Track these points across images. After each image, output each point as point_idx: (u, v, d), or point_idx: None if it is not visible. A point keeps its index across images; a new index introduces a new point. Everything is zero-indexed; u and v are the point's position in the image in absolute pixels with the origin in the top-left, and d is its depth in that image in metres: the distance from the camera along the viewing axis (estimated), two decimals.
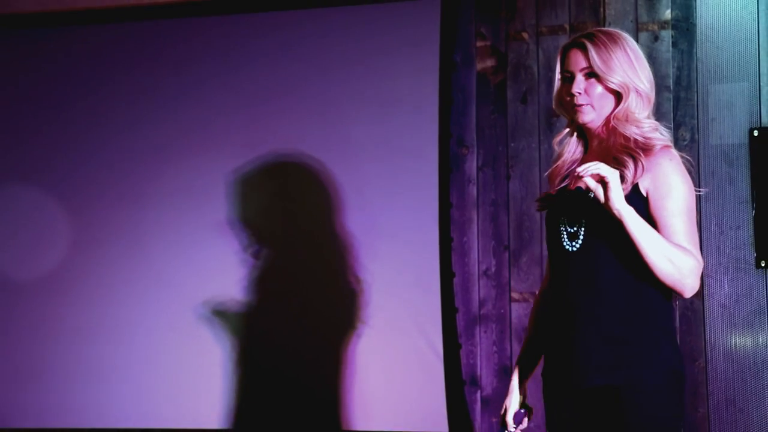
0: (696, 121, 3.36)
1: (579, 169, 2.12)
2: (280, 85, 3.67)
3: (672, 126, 3.36)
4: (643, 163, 2.16)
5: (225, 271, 3.61)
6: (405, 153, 3.55)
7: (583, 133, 2.32)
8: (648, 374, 2.14)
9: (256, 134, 3.66)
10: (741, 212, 3.30)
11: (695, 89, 3.36)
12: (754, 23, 3.32)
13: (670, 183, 2.16)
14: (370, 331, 3.52)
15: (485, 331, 3.53)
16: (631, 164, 2.17)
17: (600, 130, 2.26)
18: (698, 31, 3.37)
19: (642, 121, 2.23)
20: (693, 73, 3.37)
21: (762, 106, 3.30)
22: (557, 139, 2.35)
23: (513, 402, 2.42)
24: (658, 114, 3.34)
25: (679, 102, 3.38)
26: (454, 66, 3.61)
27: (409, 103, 3.55)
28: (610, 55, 2.22)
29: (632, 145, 2.19)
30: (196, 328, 3.63)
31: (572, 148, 2.33)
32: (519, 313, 3.50)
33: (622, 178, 2.14)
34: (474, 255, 3.54)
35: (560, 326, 2.25)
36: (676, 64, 3.39)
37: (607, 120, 2.25)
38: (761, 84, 3.30)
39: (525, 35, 3.57)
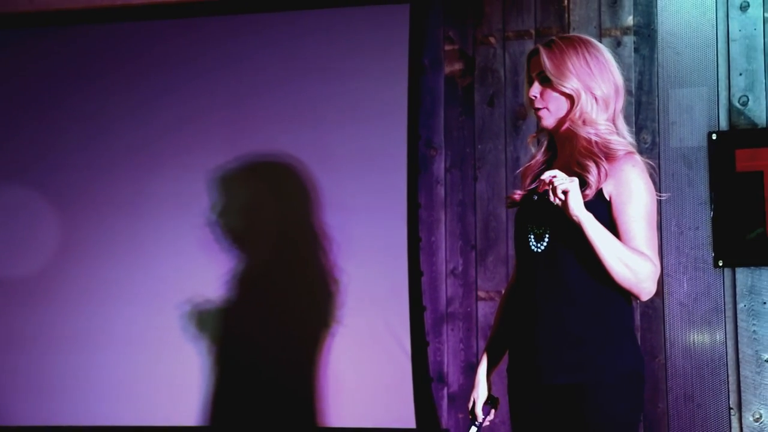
0: (657, 125, 3.41)
1: (543, 176, 2.16)
2: (254, 87, 3.68)
3: (634, 129, 3.41)
4: (606, 168, 2.19)
5: (203, 271, 3.61)
6: (374, 154, 3.57)
7: (551, 134, 2.36)
8: (608, 375, 2.18)
9: (231, 135, 3.67)
10: (700, 213, 3.36)
11: (656, 93, 3.42)
12: (712, 30, 3.39)
13: (632, 189, 2.19)
14: (341, 330, 3.54)
15: (452, 329, 3.56)
16: (594, 169, 2.20)
17: (564, 132, 2.30)
18: (659, 37, 3.43)
19: (598, 123, 2.25)
20: (654, 78, 3.42)
21: (720, 111, 3.36)
22: (532, 138, 2.41)
23: (480, 394, 2.45)
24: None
25: (641, 106, 3.43)
26: (422, 69, 3.64)
27: (379, 105, 3.57)
28: (563, 60, 2.25)
29: (594, 148, 2.22)
30: (174, 327, 3.64)
31: (543, 149, 2.37)
32: (485, 311, 3.54)
33: (586, 183, 2.18)
34: (442, 254, 3.58)
35: (525, 325, 2.28)
36: (638, 69, 3.44)
37: (565, 123, 2.28)
38: (719, 89, 3.36)
39: (492, 40, 3.61)
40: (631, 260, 2.14)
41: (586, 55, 2.27)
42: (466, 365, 3.55)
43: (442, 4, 3.63)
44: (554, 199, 2.13)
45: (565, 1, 3.54)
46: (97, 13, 3.84)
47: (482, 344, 3.53)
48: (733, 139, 3.33)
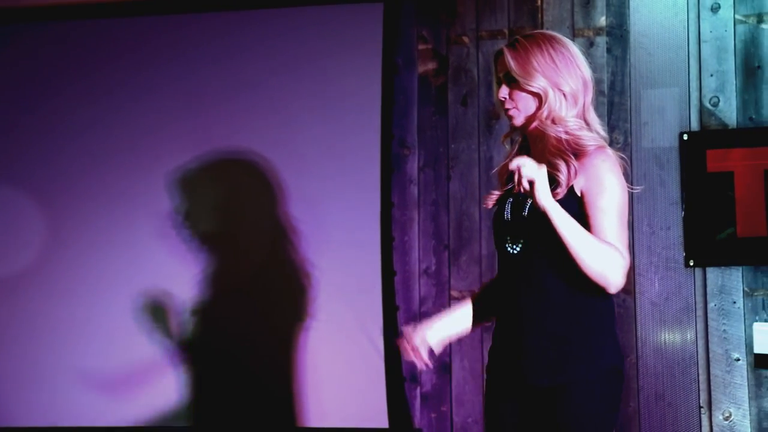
0: (629, 125, 3.43)
1: (511, 165, 2.15)
2: (225, 85, 3.66)
3: (606, 129, 3.40)
4: (576, 165, 2.19)
5: (173, 270, 3.59)
6: (348, 153, 3.56)
7: (525, 134, 2.36)
8: (589, 372, 2.18)
9: (200, 133, 3.65)
10: (671, 213, 3.37)
11: (629, 94, 3.43)
12: (684, 31, 3.41)
13: (603, 182, 2.18)
14: (313, 331, 3.53)
15: None
16: (563, 167, 2.19)
17: (534, 130, 2.29)
18: (631, 38, 3.44)
19: (567, 120, 2.24)
20: (626, 79, 3.43)
21: (692, 111, 3.38)
22: (504, 139, 2.40)
23: (439, 329, 2.38)
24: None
25: (613, 106, 3.44)
26: (396, 68, 3.64)
27: (352, 104, 3.56)
28: (528, 58, 2.24)
29: (563, 146, 2.22)
30: (146, 328, 3.62)
31: (517, 147, 2.36)
32: None
33: (557, 182, 2.18)
34: (415, 254, 3.58)
35: (506, 325, 2.28)
36: (610, 70, 3.45)
37: (534, 121, 2.28)
38: (690, 89, 3.37)
39: (465, 39, 3.61)
40: (600, 251, 2.13)
41: (551, 51, 2.26)
42: (439, 365, 3.55)
43: (415, 3, 3.63)
44: (520, 188, 2.12)
45: (539, 1, 3.55)
46: (60, 11, 3.80)
47: (455, 344, 3.50)
48: (704, 140, 3.36)
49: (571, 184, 2.19)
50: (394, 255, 3.58)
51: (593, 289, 2.19)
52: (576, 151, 2.22)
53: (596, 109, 3.30)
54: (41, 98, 3.78)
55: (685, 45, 3.40)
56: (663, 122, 3.39)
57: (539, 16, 3.55)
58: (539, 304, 2.22)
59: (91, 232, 3.68)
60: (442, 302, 3.55)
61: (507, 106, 2.30)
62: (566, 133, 2.23)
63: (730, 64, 3.36)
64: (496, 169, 2.42)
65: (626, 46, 3.45)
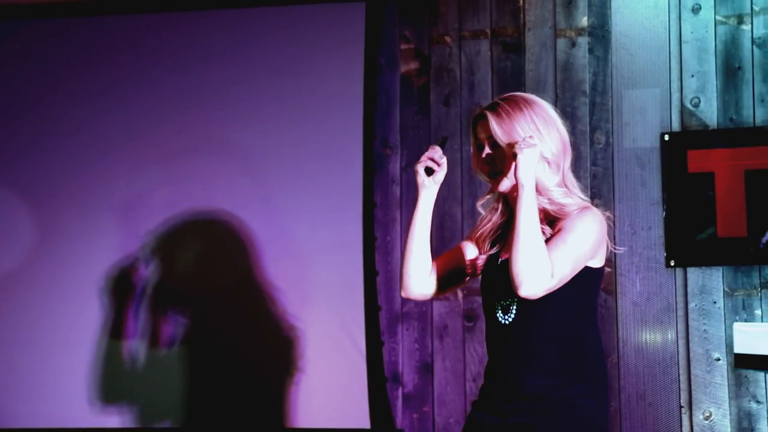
0: (611, 125, 3.43)
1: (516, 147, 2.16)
2: (202, 86, 3.64)
3: (588, 129, 3.43)
4: (553, 232, 2.18)
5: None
6: (330, 153, 3.55)
7: (506, 196, 2.33)
8: (569, 430, 2.16)
9: (178, 137, 3.62)
10: (652, 213, 3.38)
11: (610, 94, 3.43)
12: (665, 32, 3.41)
13: (576, 223, 2.18)
14: (295, 330, 3.52)
15: (407, 329, 3.56)
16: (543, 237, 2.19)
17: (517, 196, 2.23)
18: (613, 39, 3.45)
19: (551, 189, 2.22)
20: (608, 79, 3.44)
21: (673, 112, 3.38)
22: (480, 202, 2.36)
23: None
24: (575, 118, 3.45)
25: (595, 106, 3.45)
26: (378, 68, 3.63)
27: (334, 104, 3.55)
28: (512, 124, 2.22)
29: (544, 217, 2.20)
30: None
31: (499, 212, 2.33)
32: (440, 311, 3.53)
33: None
34: (397, 254, 3.57)
35: (496, 389, 2.24)
36: (592, 70, 3.46)
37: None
38: (672, 90, 3.38)
39: (448, 39, 3.60)
40: (537, 252, 2.10)
41: (533, 116, 2.23)
42: (421, 365, 3.55)
43: (397, 2, 3.62)
44: (514, 151, 2.14)
45: (521, 2, 3.55)
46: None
47: (437, 344, 3.53)
48: (685, 140, 3.37)
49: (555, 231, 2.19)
50: (377, 255, 3.57)
51: (589, 347, 2.19)
52: (559, 218, 2.21)
53: (578, 109, 3.41)
54: (26, 98, 3.76)
55: (667, 46, 3.40)
56: (644, 123, 3.40)
57: (521, 16, 3.55)
58: (532, 373, 2.18)
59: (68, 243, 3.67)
60: (424, 302, 3.54)
61: (495, 171, 2.26)
62: (550, 202, 2.22)
63: (711, 65, 3.37)
64: (478, 233, 2.37)
65: (608, 46, 3.45)
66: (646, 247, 3.38)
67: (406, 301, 3.57)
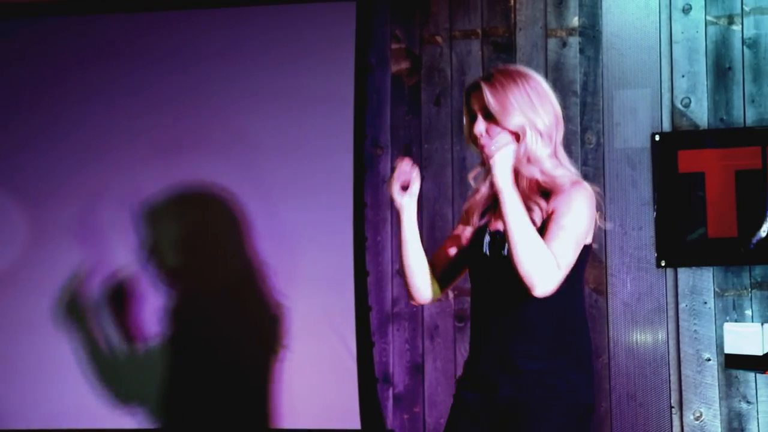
0: (601, 126, 3.43)
1: (475, 129, 2.21)
2: (192, 85, 3.62)
3: (579, 129, 3.44)
4: (545, 207, 2.20)
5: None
6: (320, 153, 3.54)
7: None
8: (563, 408, 2.17)
9: (165, 134, 3.60)
10: (643, 213, 3.37)
11: (601, 94, 3.43)
12: (656, 32, 3.41)
13: (572, 205, 2.19)
14: (285, 330, 3.50)
15: (398, 329, 3.55)
16: (537, 210, 2.21)
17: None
18: (604, 39, 3.44)
19: (542, 160, 2.23)
20: (599, 79, 3.44)
21: (663, 112, 3.38)
22: (472, 174, 2.36)
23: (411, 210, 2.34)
24: (565, 119, 3.40)
25: (586, 107, 3.44)
26: (369, 68, 3.62)
27: (325, 103, 3.54)
28: (506, 95, 2.23)
29: (536, 189, 2.22)
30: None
31: (489, 184, 2.32)
32: (431, 311, 3.53)
33: (533, 222, 2.18)
34: (388, 254, 3.56)
35: (482, 359, 2.25)
36: (583, 70, 3.45)
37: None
38: (662, 90, 3.38)
39: (439, 39, 3.60)
40: (537, 251, 2.12)
41: (527, 87, 2.25)
42: (412, 365, 3.54)
43: (388, 2, 3.61)
44: (488, 153, 2.17)
45: (512, 1, 3.54)
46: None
47: (428, 344, 3.53)
48: (675, 141, 3.36)
49: (549, 215, 2.20)
50: (367, 255, 3.56)
51: (576, 323, 2.21)
52: (551, 190, 2.23)
53: (569, 109, 3.41)
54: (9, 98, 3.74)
55: (657, 46, 3.40)
56: (635, 123, 3.40)
57: (512, 16, 3.54)
58: (518, 340, 2.20)
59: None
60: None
61: (484, 141, 2.26)
62: (542, 173, 2.24)
63: (702, 65, 3.37)
64: (465, 206, 2.39)
65: (599, 46, 3.45)
66: (637, 247, 3.38)
67: (396, 301, 3.57)
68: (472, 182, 2.36)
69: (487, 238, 2.28)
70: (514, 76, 2.25)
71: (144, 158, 3.61)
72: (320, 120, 3.55)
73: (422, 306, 3.51)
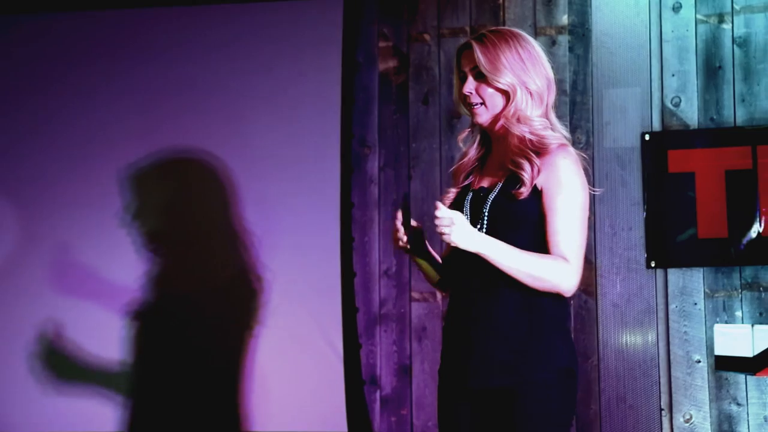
0: (591, 125, 3.41)
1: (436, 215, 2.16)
2: (178, 83, 3.58)
3: (568, 129, 3.39)
4: (538, 164, 2.19)
5: (121, 270, 3.53)
6: (307, 152, 3.51)
7: (483, 130, 2.34)
8: (541, 373, 2.17)
9: (153, 132, 3.57)
10: (633, 214, 3.36)
11: (590, 93, 3.42)
12: (646, 31, 3.40)
13: (562, 181, 2.18)
14: (269, 331, 3.47)
15: (385, 331, 3.53)
16: (527, 166, 2.19)
17: (498, 128, 2.28)
18: (594, 37, 3.43)
19: (532, 119, 2.24)
20: (588, 78, 3.42)
21: (653, 111, 3.37)
22: (461, 136, 2.38)
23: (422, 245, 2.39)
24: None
25: (575, 106, 3.43)
26: (356, 66, 3.60)
27: (311, 102, 3.52)
28: (497, 54, 2.23)
29: (527, 145, 2.21)
30: (93, 328, 3.53)
31: (476, 145, 2.34)
32: (419, 312, 3.51)
33: (521, 182, 2.17)
34: (375, 255, 3.54)
35: (457, 324, 2.27)
36: (572, 69, 3.44)
37: (500, 119, 2.27)
38: (652, 89, 3.37)
39: (426, 37, 3.58)
40: (539, 270, 2.15)
41: (519, 48, 2.25)
42: (399, 368, 3.52)
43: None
44: (443, 238, 2.15)
45: None
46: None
47: (416, 346, 3.51)
48: (665, 140, 3.35)
49: (534, 183, 2.19)
50: (354, 256, 3.54)
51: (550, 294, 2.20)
52: (539, 150, 2.21)
53: (558, 108, 3.36)
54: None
55: (647, 44, 3.39)
56: (625, 122, 3.39)
57: (501, 14, 3.52)
58: (492, 304, 2.20)
59: (17, 238, 3.60)
60: (402, 304, 3.52)
61: (473, 101, 2.27)
62: (531, 132, 2.23)
63: (692, 64, 3.36)
64: (452, 167, 2.41)
65: (588, 45, 3.44)
66: (627, 247, 3.37)
67: (384, 302, 3.55)
68: (461, 144, 2.37)
69: (469, 195, 2.28)
70: (506, 36, 2.26)
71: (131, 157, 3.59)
72: (306, 119, 3.52)
73: (410, 307, 3.50)
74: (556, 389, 2.18)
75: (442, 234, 2.14)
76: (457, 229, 2.13)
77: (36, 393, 3.53)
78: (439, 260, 2.40)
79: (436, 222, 2.14)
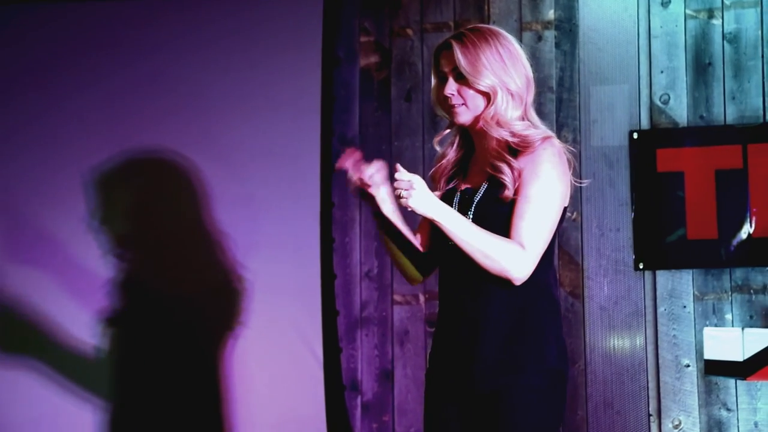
0: (578, 123, 3.38)
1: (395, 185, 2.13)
2: (148, 79, 3.52)
3: (555, 127, 3.38)
4: (518, 166, 2.18)
5: (89, 276, 3.46)
6: (285, 151, 3.47)
7: (467, 132, 2.32)
8: (531, 376, 2.16)
9: (124, 130, 3.50)
10: (621, 214, 3.33)
11: (577, 91, 3.39)
12: (634, 26, 3.36)
13: (538, 170, 2.17)
14: (247, 334, 3.42)
15: (366, 335, 3.50)
16: (506, 169, 2.18)
17: (479, 129, 2.26)
18: (581, 33, 3.40)
19: (512, 122, 2.22)
20: (575, 75, 3.39)
21: (642, 109, 3.34)
22: (437, 138, 2.35)
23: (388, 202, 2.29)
24: (541, 115, 3.34)
25: (562, 103, 3.40)
26: (336, 61, 3.56)
27: (291, 98, 3.47)
28: (478, 55, 2.21)
29: (504, 149, 2.20)
30: (59, 332, 3.47)
31: (456, 147, 2.33)
32: (401, 315, 3.48)
33: (504, 186, 2.17)
34: (356, 256, 3.51)
35: (446, 327, 2.25)
36: (559, 65, 3.41)
37: (480, 121, 2.25)
38: (641, 86, 3.34)
39: (409, 31, 3.54)
40: (492, 249, 2.13)
41: (499, 47, 2.23)
42: (381, 372, 3.48)
43: None
44: (401, 202, 2.13)
45: None
46: None
47: (398, 350, 3.48)
48: (654, 139, 3.33)
49: (517, 185, 2.18)
50: (335, 257, 3.51)
51: (537, 290, 2.18)
52: (523, 148, 2.20)
53: (544, 106, 3.36)
54: None
55: (635, 40, 3.36)
56: (612, 120, 3.36)
57: (486, 8, 3.48)
58: (481, 306, 2.19)
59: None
60: (384, 306, 3.49)
61: (455, 102, 2.25)
62: (513, 135, 2.22)
63: (681, 61, 3.33)
64: (432, 170, 2.37)
65: (575, 40, 3.40)
66: (614, 249, 3.33)
67: (365, 305, 3.51)
68: (437, 147, 2.35)
69: (457, 197, 2.26)
70: (486, 35, 2.23)
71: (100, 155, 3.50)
72: (285, 116, 3.47)
73: (392, 310, 3.48)
74: (545, 392, 2.17)
75: (399, 197, 2.11)
76: (416, 193, 2.10)
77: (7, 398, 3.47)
78: (417, 246, 2.36)
79: (395, 185, 2.11)
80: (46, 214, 3.48)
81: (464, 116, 2.25)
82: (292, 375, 3.41)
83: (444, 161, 2.33)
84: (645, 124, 3.33)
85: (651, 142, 3.31)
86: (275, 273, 3.42)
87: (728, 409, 3.21)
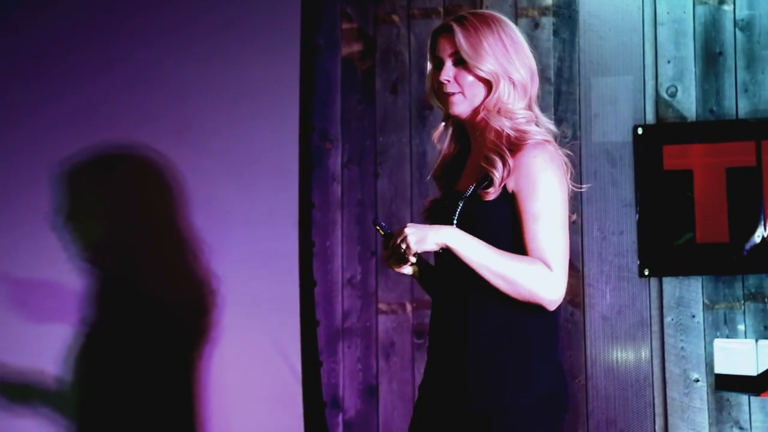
0: (578, 117, 3.34)
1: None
2: (117, 69, 3.42)
3: (552, 121, 3.26)
4: (510, 163, 2.11)
5: (54, 284, 3.35)
6: (262, 147, 3.40)
7: (463, 129, 2.27)
8: (522, 398, 2.09)
9: (89, 123, 3.41)
10: (624, 216, 3.27)
11: (577, 82, 3.34)
12: (638, 12, 3.30)
13: (533, 182, 2.10)
14: (221, 348, 3.34)
15: (349, 347, 3.43)
16: (499, 164, 2.11)
17: (478, 122, 2.20)
18: (581, 19, 3.35)
19: (515, 112, 2.16)
20: (575, 65, 3.34)
21: (647, 102, 3.28)
22: (436, 133, 2.31)
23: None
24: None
25: (561, 96, 3.35)
26: (317, 50, 3.51)
27: (266, 90, 3.40)
28: (479, 39, 2.15)
29: (504, 141, 2.14)
30: (25, 341, 3.35)
31: (449, 141, 2.30)
32: (386, 326, 3.42)
33: (491, 181, 2.11)
34: (338, 261, 3.46)
35: (435, 343, 2.22)
36: (557, 55, 3.35)
37: (480, 112, 2.18)
38: (646, 78, 3.28)
39: (395, 18, 3.49)
40: (515, 273, 2.06)
41: (502, 34, 2.18)
42: (365, 387, 3.41)
43: None
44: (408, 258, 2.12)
45: None
46: None
47: (383, 364, 3.42)
48: (660, 134, 3.27)
49: (504, 183, 2.12)
50: (314, 263, 3.46)
51: (527, 306, 2.11)
52: (514, 146, 2.14)
53: (542, 99, 3.25)
54: None
55: (640, 28, 3.30)
56: (615, 114, 3.30)
57: None
58: (471, 322, 2.13)
59: None
60: (368, 316, 3.43)
61: (451, 89, 2.18)
62: (512, 127, 2.15)
63: (689, 50, 3.27)
64: (433, 171, 2.32)
65: (575, 28, 3.34)
66: (617, 254, 3.26)
67: (347, 315, 3.45)
68: (436, 142, 2.31)
69: (447, 201, 2.22)
70: (488, 20, 2.17)
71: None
72: (261, 109, 3.40)
73: (377, 320, 3.43)
74: (537, 417, 2.09)
75: (406, 254, 2.08)
76: (412, 237, 2.07)
77: None
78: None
79: (394, 251, 2.10)
80: (11, 206, 3.39)
81: (460, 106, 2.18)
82: (269, 391, 3.33)
83: (441, 161, 2.30)
84: (650, 118, 3.27)
85: (657, 138, 3.25)
86: (249, 279, 3.35)
87: (741, 428, 3.13)
